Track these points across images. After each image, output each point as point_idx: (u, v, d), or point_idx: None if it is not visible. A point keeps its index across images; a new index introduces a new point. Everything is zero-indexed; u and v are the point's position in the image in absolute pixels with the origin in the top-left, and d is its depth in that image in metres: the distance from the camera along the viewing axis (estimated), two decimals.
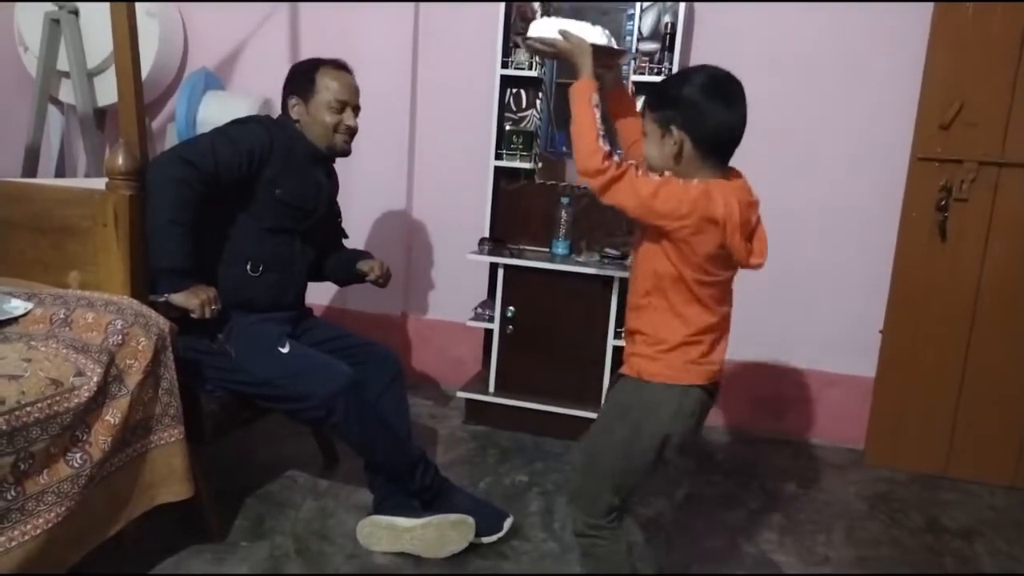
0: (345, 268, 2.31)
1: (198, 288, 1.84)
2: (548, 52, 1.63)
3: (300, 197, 2.06)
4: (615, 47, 1.65)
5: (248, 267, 2.01)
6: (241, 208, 1.99)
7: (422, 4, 3.12)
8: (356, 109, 2.12)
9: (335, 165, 2.24)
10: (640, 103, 1.66)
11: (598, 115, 1.47)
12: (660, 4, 2.74)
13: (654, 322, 1.51)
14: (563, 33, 1.58)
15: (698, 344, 1.51)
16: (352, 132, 2.12)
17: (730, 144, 1.48)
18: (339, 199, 2.32)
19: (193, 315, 1.82)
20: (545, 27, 1.61)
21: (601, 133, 1.45)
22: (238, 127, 1.99)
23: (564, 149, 2.96)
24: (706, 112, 1.43)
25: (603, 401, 1.68)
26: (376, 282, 2.28)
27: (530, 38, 1.64)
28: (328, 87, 2.06)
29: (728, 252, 1.46)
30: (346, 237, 2.40)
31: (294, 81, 2.10)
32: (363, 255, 2.34)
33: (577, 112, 1.49)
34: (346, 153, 2.15)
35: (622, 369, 1.58)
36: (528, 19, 2.85)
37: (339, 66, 2.11)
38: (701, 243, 1.43)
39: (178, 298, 1.82)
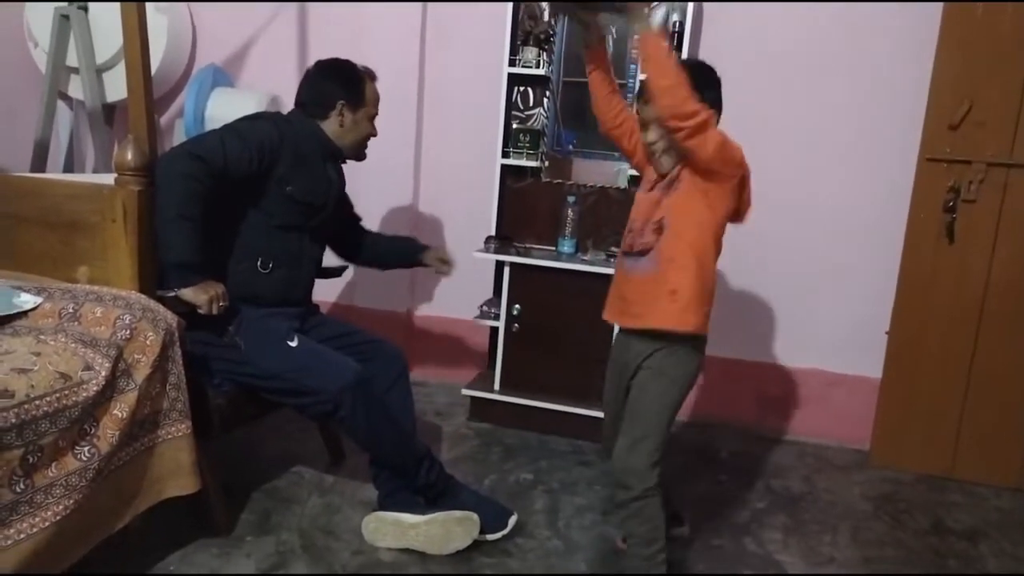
0: (398, 254, 2.44)
1: (207, 284, 1.84)
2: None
3: (311, 194, 2.06)
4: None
5: (258, 263, 2.01)
6: (251, 204, 1.99)
7: (430, 2, 3.13)
8: None
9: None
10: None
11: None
12: (668, 3, 2.74)
13: (700, 276, 1.67)
14: None
15: (714, 293, 1.73)
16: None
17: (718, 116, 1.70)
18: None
19: (200, 311, 1.83)
20: None
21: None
22: (248, 123, 2.00)
23: (570, 147, 2.96)
24: (716, 95, 1.68)
25: (623, 373, 1.80)
26: (442, 271, 2.39)
27: None
28: (372, 100, 2.13)
29: (740, 204, 1.70)
30: (360, 219, 2.44)
31: (345, 87, 2.10)
32: (415, 245, 2.45)
33: (665, 57, 1.56)
34: (363, 158, 2.22)
35: (664, 324, 1.68)
36: (536, 17, 2.85)
37: (374, 77, 2.18)
38: (737, 195, 1.67)
39: (187, 293, 1.82)
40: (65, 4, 3.02)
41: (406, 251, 2.44)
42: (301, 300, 2.16)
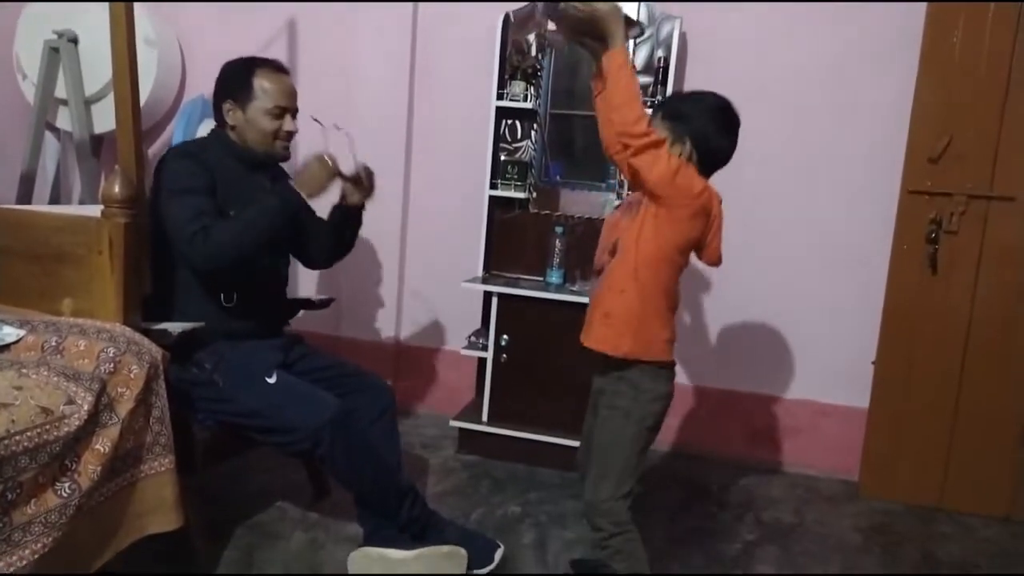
0: (330, 227, 2.17)
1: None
2: (579, 16, 1.57)
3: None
4: (632, 19, 1.65)
5: (222, 298, 1.99)
6: None
7: (419, 36, 3.17)
8: (294, 113, 2.04)
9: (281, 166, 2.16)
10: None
11: (636, 81, 1.58)
12: (653, 39, 2.79)
13: (639, 300, 1.67)
14: None
15: (670, 322, 1.72)
16: (291, 137, 2.05)
17: (722, 164, 1.71)
18: None
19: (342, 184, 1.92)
20: None
21: (641, 99, 1.57)
22: (175, 177, 1.91)
23: (558, 178, 2.98)
24: (714, 136, 1.66)
25: (596, 403, 1.81)
26: (357, 193, 2.10)
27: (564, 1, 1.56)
28: (266, 91, 1.98)
29: (701, 244, 1.71)
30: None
31: (228, 84, 2.01)
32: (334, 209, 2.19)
33: (620, 77, 1.55)
34: (286, 159, 2.09)
35: (598, 346, 1.72)
36: (523, 51, 2.90)
37: (276, 68, 2.02)
38: (692, 228, 1.66)
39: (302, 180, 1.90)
40: (55, 37, 3.03)
41: (331, 218, 2.18)
42: (278, 327, 2.13)
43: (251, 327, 2.04)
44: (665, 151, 1.59)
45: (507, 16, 2.88)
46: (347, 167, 2.05)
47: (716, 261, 1.76)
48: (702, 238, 1.70)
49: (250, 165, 2.04)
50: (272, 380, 1.92)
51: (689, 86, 2.92)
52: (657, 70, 2.75)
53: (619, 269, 1.68)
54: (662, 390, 1.72)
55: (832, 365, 2.92)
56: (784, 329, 2.97)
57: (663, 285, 1.68)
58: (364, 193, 2.13)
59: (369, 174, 2.12)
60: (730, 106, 1.68)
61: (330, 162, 1.95)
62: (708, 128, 1.65)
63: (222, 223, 1.88)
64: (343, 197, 2.14)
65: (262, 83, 1.99)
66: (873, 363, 2.75)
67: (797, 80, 2.86)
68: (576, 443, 2.68)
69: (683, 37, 2.85)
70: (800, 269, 2.92)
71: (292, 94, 2.04)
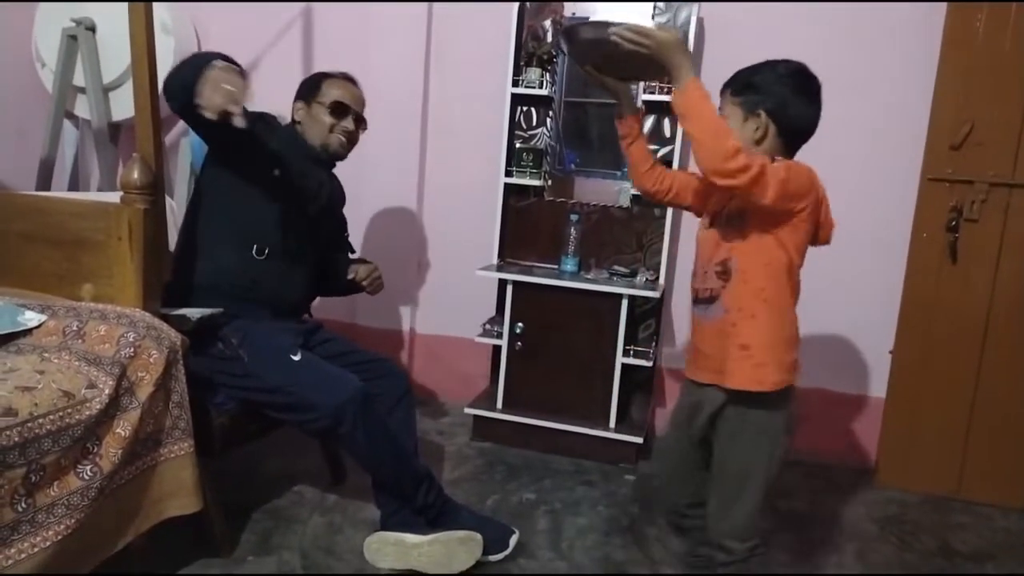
0: (342, 276, 2.32)
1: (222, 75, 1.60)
2: (638, 44, 1.41)
3: (301, 177, 2.12)
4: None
5: (254, 250, 2.03)
6: (247, 185, 2.03)
7: (434, 22, 3.16)
8: (358, 118, 2.19)
9: (338, 174, 2.30)
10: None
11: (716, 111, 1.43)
12: (670, 25, 2.76)
13: (772, 322, 1.53)
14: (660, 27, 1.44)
15: (797, 338, 1.59)
16: (350, 137, 2.18)
17: (807, 136, 1.56)
18: (350, 214, 2.33)
19: (207, 113, 1.60)
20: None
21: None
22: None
23: (572, 167, 2.97)
24: (792, 103, 1.51)
25: (700, 419, 1.61)
26: (364, 289, 2.31)
27: (618, 24, 1.40)
28: (330, 92, 2.15)
29: (817, 230, 1.56)
30: (352, 252, 2.41)
31: (301, 88, 2.21)
32: (358, 262, 2.34)
33: (703, 110, 1.40)
34: (341, 157, 2.22)
35: (746, 386, 1.52)
36: (539, 38, 2.88)
37: (346, 78, 2.21)
38: (811, 223, 1.51)
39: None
40: (73, 25, 3.05)
41: (343, 275, 2.31)
42: (299, 303, 2.18)
43: (274, 288, 2.07)
44: (769, 170, 1.40)
45: (523, 2, 2.87)
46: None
47: (828, 239, 1.62)
48: (816, 225, 1.55)
49: (308, 158, 2.15)
50: (296, 358, 1.94)
51: (707, 73, 2.89)
52: None
53: (743, 293, 1.51)
54: (790, 410, 1.59)
55: (849, 354, 2.91)
56: (801, 317, 2.93)
57: (789, 296, 1.54)
58: (371, 290, 2.33)
59: (378, 281, 2.33)
60: (806, 69, 1.53)
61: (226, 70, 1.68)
62: (785, 94, 1.49)
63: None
64: (357, 273, 2.30)
65: (329, 86, 2.17)
66: (891, 352, 2.73)
67: (815, 65, 2.79)
68: (590, 431, 2.70)
69: (700, 23, 2.82)
70: (817, 256, 2.87)
71: (356, 98, 2.19)
